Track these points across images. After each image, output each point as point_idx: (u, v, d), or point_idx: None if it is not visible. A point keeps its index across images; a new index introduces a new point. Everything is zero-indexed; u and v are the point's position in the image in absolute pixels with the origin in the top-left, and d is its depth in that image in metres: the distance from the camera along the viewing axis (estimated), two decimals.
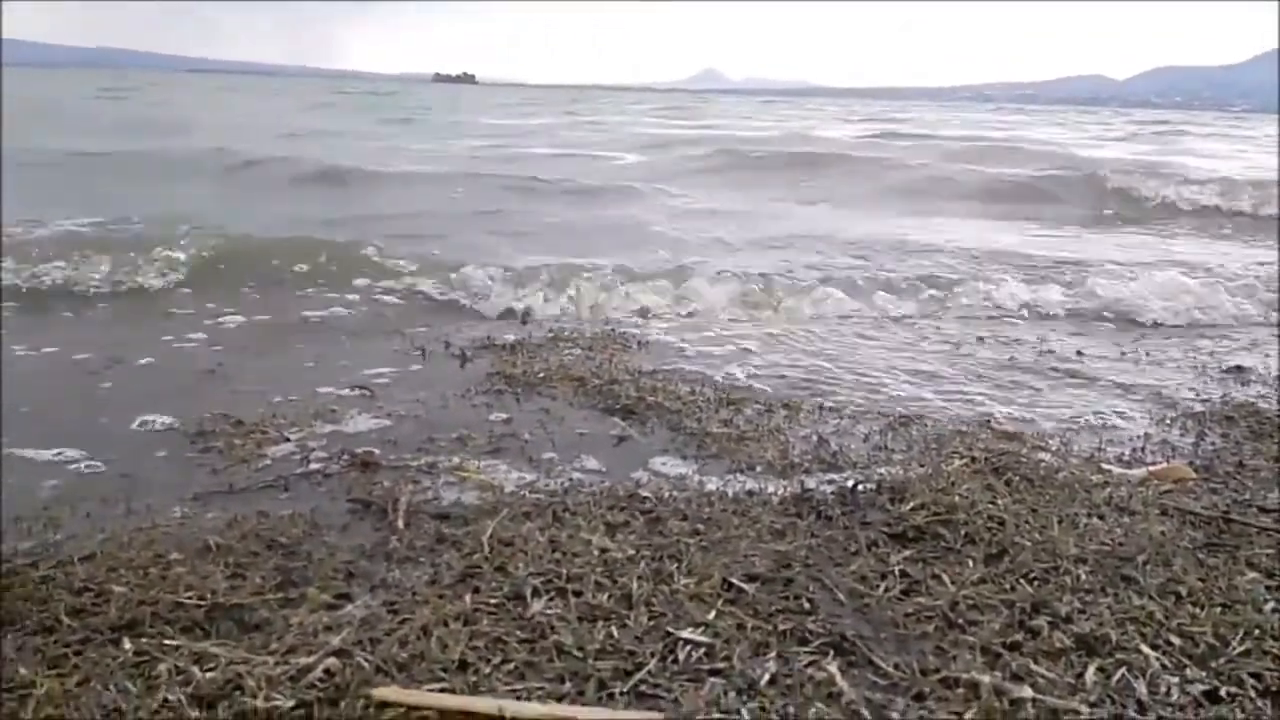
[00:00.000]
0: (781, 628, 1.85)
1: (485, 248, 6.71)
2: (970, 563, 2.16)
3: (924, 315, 5.30)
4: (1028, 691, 1.65)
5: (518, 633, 1.80)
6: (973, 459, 2.88)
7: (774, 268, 6.40)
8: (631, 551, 2.16)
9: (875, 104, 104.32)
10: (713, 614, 1.88)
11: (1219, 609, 1.96)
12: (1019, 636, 1.84)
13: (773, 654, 1.76)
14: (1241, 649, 1.81)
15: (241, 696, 1.57)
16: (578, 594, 1.95)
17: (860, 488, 2.58)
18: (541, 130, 24.74)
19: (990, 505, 2.47)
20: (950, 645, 1.81)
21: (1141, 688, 1.68)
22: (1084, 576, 2.10)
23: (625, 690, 1.64)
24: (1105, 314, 5.37)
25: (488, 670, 1.68)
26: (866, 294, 5.66)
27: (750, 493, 2.61)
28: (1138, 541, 2.30)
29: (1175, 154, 19.64)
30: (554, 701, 1.60)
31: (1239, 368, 4.33)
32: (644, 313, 5.10)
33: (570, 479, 2.72)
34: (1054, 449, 3.12)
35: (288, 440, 2.96)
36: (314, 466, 2.75)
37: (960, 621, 1.89)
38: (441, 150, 16.76)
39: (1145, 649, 1.80)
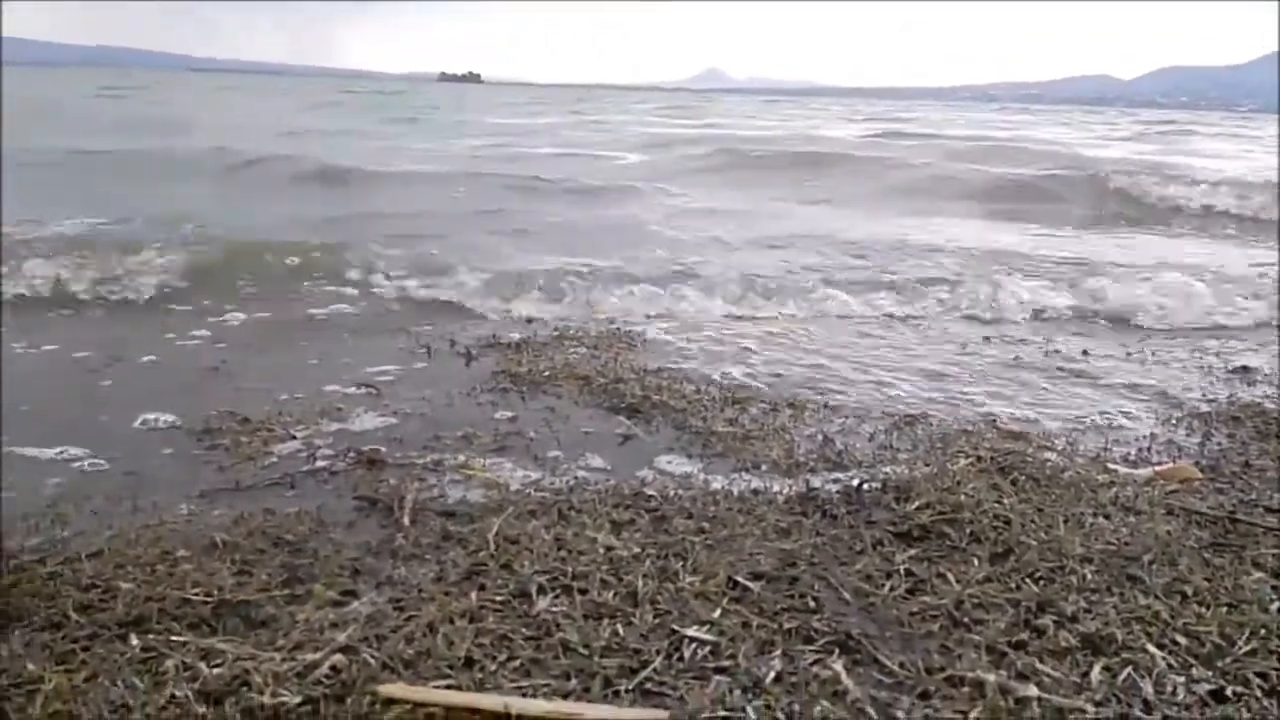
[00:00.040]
0: (787, 626, 1.85)
1: (486, 248, 6.71)
2: (976, 562, 2.16)
3: (928, 315, 5.29)
4: (1033, 690, 1.65)
5: (523, 630, 1.80)
6: (978, 458, 2.88)
7: (775, 268, 6.41)
8: (637, 549, 2.17)
9: (879, 103, 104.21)
10: (718, 612, 1.89)
11: (1225, 609, 1.96)
12: (1024, 635, 1.83)
13: (778, 652, 1.76)
14: (1247, 649, 1.81)
15: (248, 692, 1.58)
16: (583, 592, 1.95)
17: (865, 487, 2.58)
18: (545, 130, 24.74)
19: (996, 504, 2.47)
20: (955, 644, 1.81)
21: (1147, 687, 1.68)
22: (1090, 576, 2.09)
23: (631, 688, 1.65)
24: (1110, 315, 5.36)
25: (493, 667, 1.68)
26: (869, 294, 5.66)
27: (755, 491, 2.61)
28: (1143, 541, 2.30)
29: (1180, 154, 19.61)
30: (559, 699, 1.61)
31: (1245, 368, 4.33)
32: (646, 313, 5.10)
33: (575, 477, 2.72)
34: (1060, 448, 3.11)
35: (294, 438, 2.97)
36: (320, 464, 2.76)
37: (965, 620, 1.89)
38: (444, 150, 16.77)
39: (1151, 648, 1.80)
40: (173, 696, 1.57)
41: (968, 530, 2.31)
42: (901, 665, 1.73)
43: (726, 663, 1.72)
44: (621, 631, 1.81)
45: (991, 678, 1.67)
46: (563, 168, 13.38)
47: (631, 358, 4.10)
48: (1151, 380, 4.09)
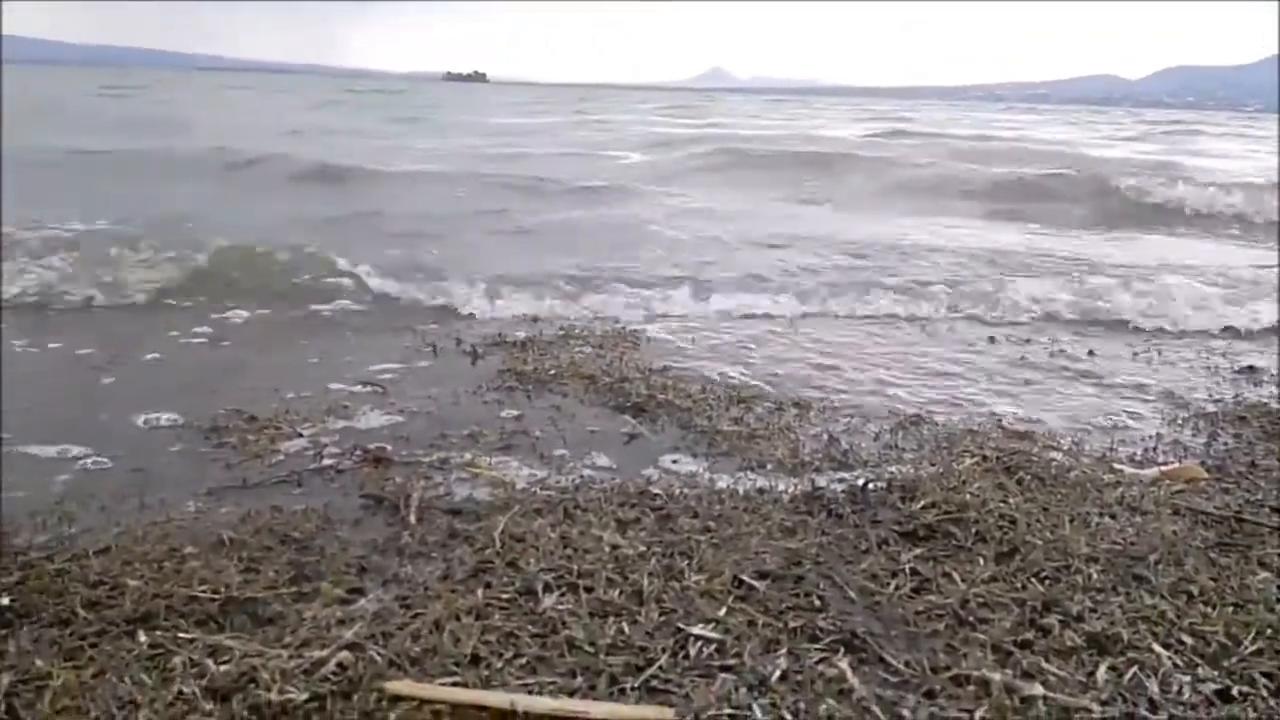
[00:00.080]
0: (792, 625, 1.85)
1: (487, 248, 6.75)
2: (981, 561, 2.16)
3: (931, 316, 5.28)
4: (1039, 689, 1.65)
5: (529, 628, 1.81)
6: (984, 458, 2.88)
7: (776, 268, 6.41)
8: (642, 548, 2.17)
9: (884, 103, 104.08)
10: (724, 611, 1.89)
11: (1231, 608, 1.96)
12: (1030, 635, 1.84)
13: (783, 651, 1.76)
14: (1254, 648, 1.81)
15: (255, 689, 1.59)
16: (589, 590, 1.96)
17: (871, 486, 2.58)
18: (548, 129, 24.74)
19: (1001, 504, 2.47)
20: (961, 643, 1.81)
21: (1153, 686, 1.68)
22: (1095, 575, 2.09)
23: (636, 685, 1.65)
24: (1115, 315, 5.34)
25: (500, 664, 1.69)
26: (872, 295, 5.64)
27: (761, 490, 2.62)
28: (1150, 541, 2.30)
29: (1184, 154, 19.57)
30: (565, 696, 1.61)
31: (1251, 368, 4.32)
32: (649, 313, 5.09)
33: (581, 476, 2.72)
34: (1066, 448, 3.11)
35: (300, 436, 2.97)
36: (326, 462, 2.76)
37: (971, 619, 1.90)
38: (446, 149, 16.77)
39: (1157, 648, 1.80)
40: (180, 693, 1.58)
41: (973, 530, 2.31)
42: (907, 664, 1.73)
43: (732, 661, 1.72)
44: (627, 629, 1.81)
45: (997, 676, 1.68)
46: (563, 168, 13.37)
47: (636, 357, 4.10)
48: (1157, 380, 4.09)
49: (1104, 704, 1.63)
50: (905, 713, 1.60)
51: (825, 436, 3.14)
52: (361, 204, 8.97)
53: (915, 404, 3.59)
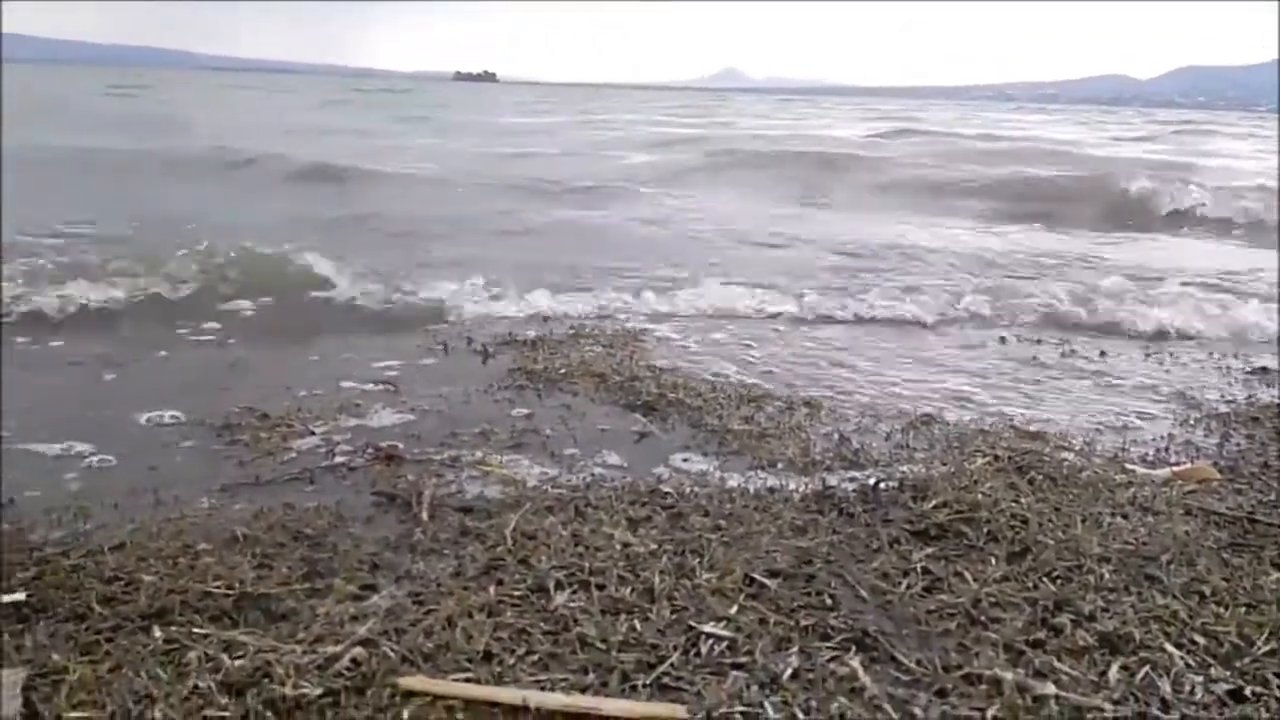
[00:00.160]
0: (803, 623, 1.85)
1: (486, 250, 6.74)
2: (993, 560, 2.16)
3: (941, 316, 5.26)
4: (1051, 688, 1.65)
5: (541, 625, 1.82)
6: (995, 457, 2.87)
7: (781, 269, 6.41)
8: (653, 546, 2.17)
9: (894, 102, 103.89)
10: (735, 609, 1.89)
11: (1243, 609, 1.96)
12: (1042, 634, 1.84)
13: (795, 649, 1.76)
14: (1266, 649, 1.80)
15: (270, 684, 1.60)
16: (600, 587, 1.96)
17: (882, 485, 2.58)
18: (554, 129, 24.73)
19: (1013, 504, 2.47)
20: (973, 642, 1.81)
21: (1165, 686, 1.68)
22: (1107, 575, 2.09)
23: (648, 682, 1.65)
24: (1127, 317, 5.31)
25: (512, 661, 1.70)
26: (880, 295, 5.62)
27: (772, 489, 2.62)
28: (1162, 541, 2.29)
29: (1195, 156, 19.44)
30: (577, 692, 1.62)
31: (1264, 369, 4.30)
32: (655, 312, 5.08)
33: (592, 474, 2.73)
34: (1077, 448, 3.11)
35: (313, 434, 2.99)
36: (339, 460, 2.77)
37: (983, 619, 1.90)
38: (448, 150, 16.74)
39: (1169, 648, 1.80)
40: (195, 687, 1.59)
41: (985, 529, 2.31)
42: (919, 663, 1.73)
43: (743, 659, 1.73)
44: (639, 627, 1.82)
45: (1009, 675, 1.68)
46: (565, 168, 13.36)
47: (646, 356, 4.11)
48: (1169, 381, 4.08)
49: (1116, 703, 1.63)
50: (917, 711, 1.60)
51: (836, 436, 3.14)
52: (361, 205, 8.99)
53: (926, 404, 3.58)
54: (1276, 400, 3.79)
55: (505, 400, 3.43)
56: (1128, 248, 8.55)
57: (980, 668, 1.71)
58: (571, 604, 1.89)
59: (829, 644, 1.79)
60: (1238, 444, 3.25)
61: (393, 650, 1.70)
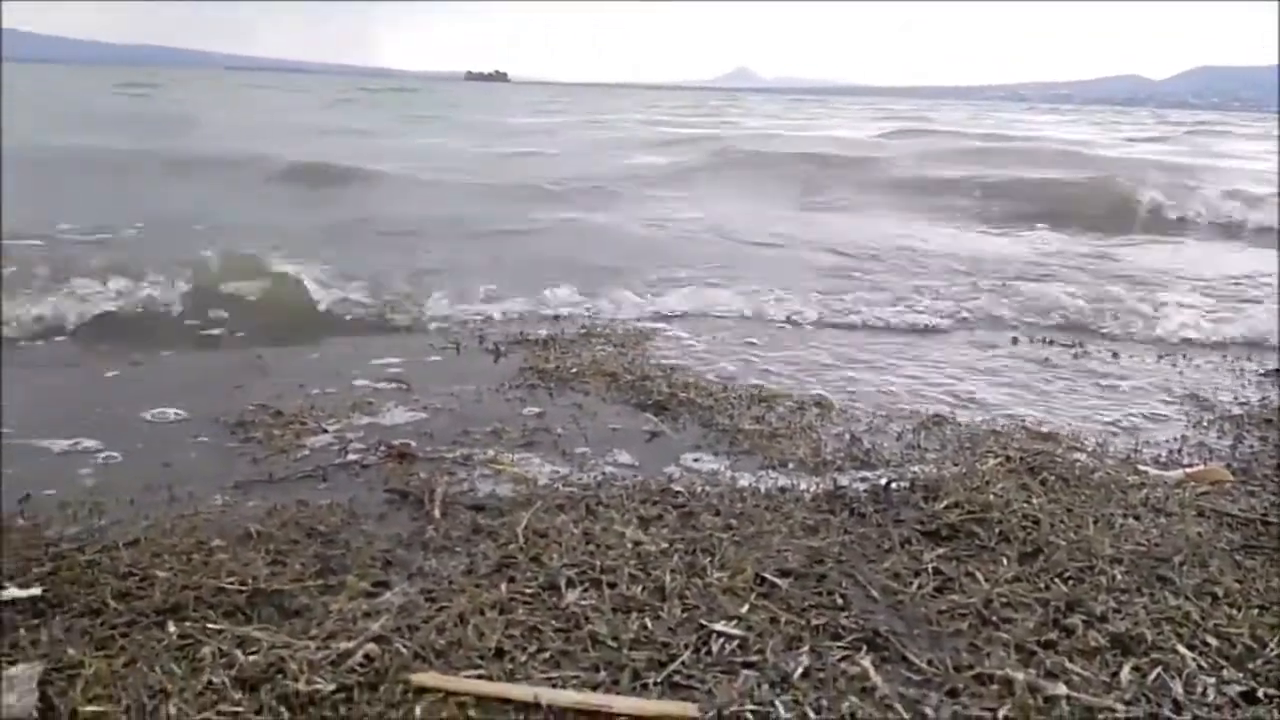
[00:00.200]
0: (815, 623, 1.86)
1: (486, 252, 6.75)
2: (1005, 561, 2.16)
3: (952, 319, 5.24)
4: (1062, 689, 1.65)
5: (553, 622, 1.82)
6: (1007, 458, 2.87)
7: (788, 269, 6.40)
8: (665, 545, 2.18)
9: (906, 102, 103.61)
10: (746, 608, 1.90)
11: (1256, 610, 1.95)
12: (1054, 635, 1.83)
13: (806, 648, 1.76)
14: (1279, 650, 1.80)
15: (283, 680, 1.61)
16: (612, 585, 1.97)
17: (894, 485, 2.58)
18: (562, 129, 24.68)
19: (1025, 504, 2.46)
20: (984, 642, 1.81)
21: (1177, 687, 1.68)
22: (1119, 576, 2.09)
23: (659, 680, 1.66)
24: (1139, 319, 5.29)
25: (523, 658, 1.70)
26: (887, 296, 5.61)
27: (783, 489, 2.62)
28: (1174, 542, 2.29)
29: (1208, 157, 19.32)
30: (589, 690, 1.62)
31: (1278, 371, 4.28)
32: (657, 312, 5.07)
33: (603, 473, 2.74)
34: (1090, 449, 3.10)
35: (326, 431, 3.00)
36: (352, 457, 2.79)
37: (994, 619, 1.89)
38: (448, 150, 16.70)
39: (1181, 649, 1.80)
40: (209, 682, 1.60)
41: (996, 530, 2.31)
42: (930, 663, 1.73)
43: (754, 658, 1.73)
44: (650, 625, 1.82)
45: (1020, 676, 1.68)
46: (570, 169, 13.32)
47: (657, 355, 4.11)
48: (1182, 383, 4.06)
49: (1128, 704, 1.62)
50: (928, 711, 1.60)
51: (847, 436, 3.14)
52: (362, 205, 9.00)
53: (937, 404, 3.58)
54: None
55: (517, 399, 3.44)
56: (1139, 250, 8.50)
57: (992, 668, 1.71)
58: (583, 602, 1.90)
59: (840, 643, 1.79)
60: (1251, 446, 3.24)
61: (405, 647, 1.71)
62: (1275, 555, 2.25)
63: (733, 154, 16.09)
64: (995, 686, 1.66)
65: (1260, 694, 1.67)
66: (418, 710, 1.55)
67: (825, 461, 2.87)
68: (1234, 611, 1.94)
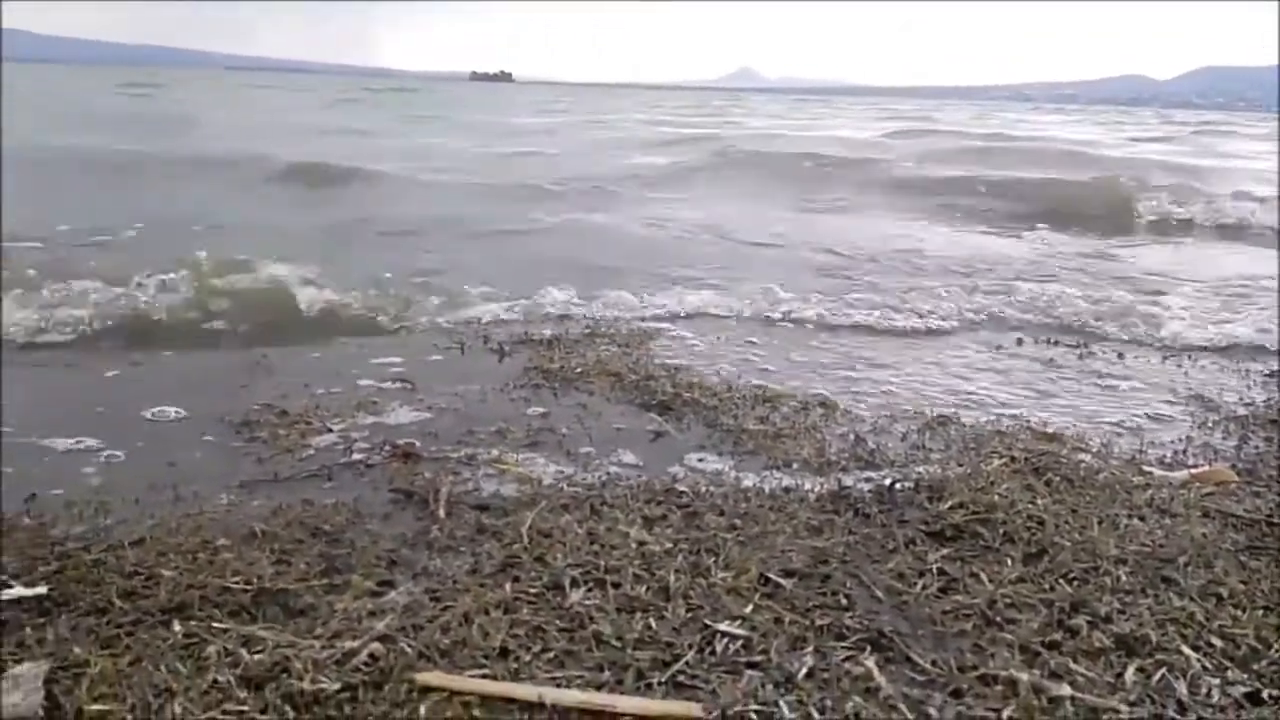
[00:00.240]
0: (819, 623, 1.86)
1: (486, 253, 6.76)
2: (1009, 562, 2.16)
3: (956, 320, 5.22)
4: (1066, 689, 1.65)
5: (557, 622, 1.82)
6: (1012, 459, 2.87)
7: (791, 271, 6.40)
8: (669, 545, 2.18)
9: (911, 102, 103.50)
10: (750, 608, 1.90)
11: (1261, 611, 1.95)
12: (1058, 635, 1.83)
13: (810, 648, 1.77)
14: None
15: (288, 679, 1.61)
16: (616, 585, 1.97)
17: (898, 486, 2.58)
18: (564, 128, 24.67)
19: (1030, 505, 2.46)
20: (988, 643, 1.81)
21: (1182, 688, 1.68)
22: (1124, 577, 2.09)
23: (663, 680, 1.66)
24: (1143, 320, 5.28)
25: (528, 658, 1.70)
26: (890, 297, 5.60)
27: (787, 489, 2.62)
28: (1179, 543, 2.29)
29: (1213, 158, 19.28)
30: (593, 690, 1.62)
31: None
32: (658, 313, 5.07)
33: (608, 473, 2.74)
34: (1094, 450, 3.10)
35: (330, 431, 3.01)
36: (356, 457, 2.79)
37: (999, 620, 1.89)
38: (450, 150, 16.69)
39: (1186, 650, 1.79)
40: (215, 681, 1.60)
41: (1001, 530, 2.31)
42: (934, 663, 1.73)
43: (759, 658, 1.73)
44: (654, 625, 1.82)
45: (1025, 676, 1.67)
46: (570, 169, 13.31)
47: (661, 355, 4.11)
48: (1187, 383, 4.06)
49: (1132, 705, 1.62)
50: (932, 711, 1.60)
51: (851, 436, 3.14)
52: (362, 206, 9.01)
53: (942, 404, 3.58)
54: None
55: (521, 399, 3.44)
56: (1144, 251, 8.49)
57: (996, 669, 1.71)
58: (587, 602, 1.90)
59: (844, 644, 1.79)
60: (1256, 447, 3.24)
61: (410, 646, 1.72)
62: None
63: (734, 154, 16.07)
64: (999, 687, 1.66)
65: (1265, 695, 1.67)
66: (422, 709, 1.55)
67: (830, 462, 2.87)
68: (1239, 612, 1.94)
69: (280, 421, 3.07)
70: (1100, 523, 2.38)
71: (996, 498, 2.49)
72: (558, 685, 1.63)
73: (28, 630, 1.77)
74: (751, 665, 1.71)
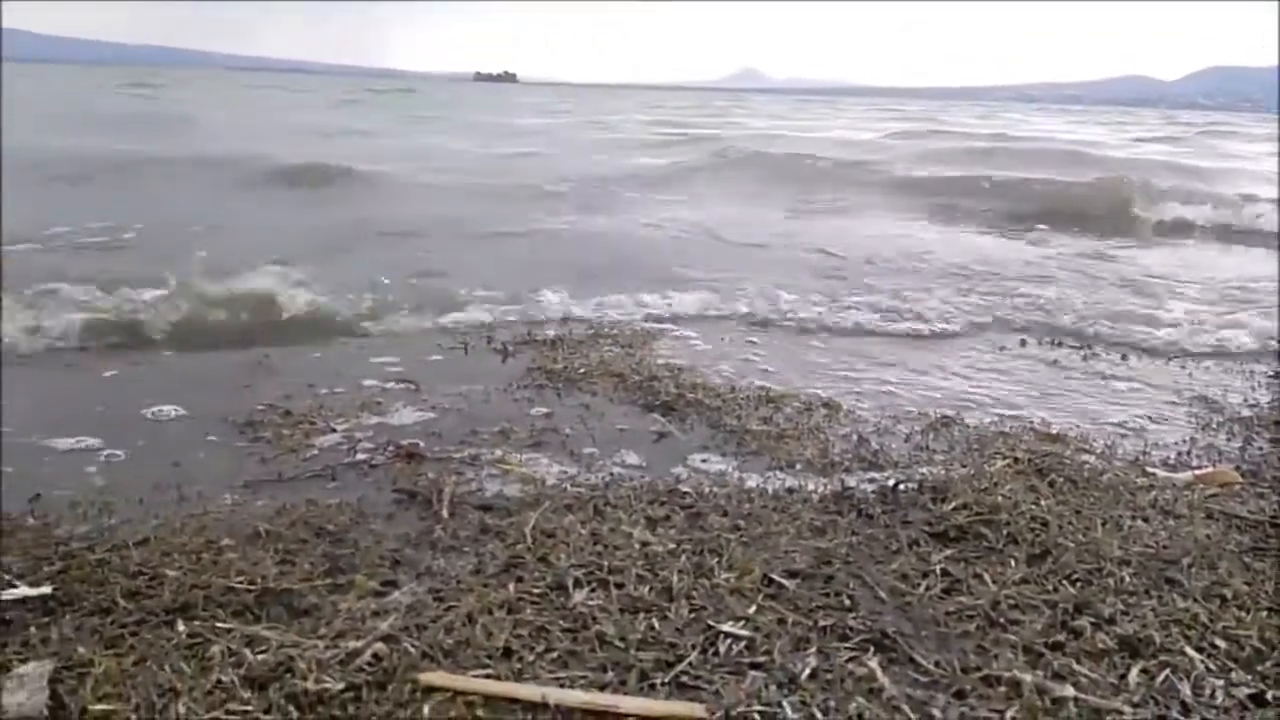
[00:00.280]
0: (822, 623, 1.86)
1: (485, 254, 6.76)
2: (1013, 563, 2.16)
3: (959, 321, 5.21)
4: (1070, 690, 1.65)
5: (560, 622, 1.83)
6: (1016, 460, 2.87)
7: (792, 273, 6.39)
8: (672, 545, 2.18)
9: (915, 103, 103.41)
10: (753, 608, 1.90)
11: (1265, 613, 1.95)
12: (1061, 636, 1.83)
13: (813, 649, 1.77)
14: None
15: (292, 679, 1.61)
16: (619, 586, 1.97)
17: (902, 487, 2.58)
18: (564, 129, 24.67)
19: (1033, 506, 2.46)
20: (992, 644, 1.81)
21: (1185, 689, 1.67)
22: (1128, 578, 2.08)
23: (666, 681, 1.66)
24: (1148, 322, 5.27)
25: (531, 658, 1.71)
26: (892, 298, 5.59)
27: (790, 490, 2.62)
28: (1182, 544, 2.28)
29: (1216, 159, 19.23)
30: (596, 690, 1.63)
31: None
32: (659, 314, 5.06)
33: (611, 473, 2.74)
34: (1098, 451, 3.09)
35: (334, 431, 3.01)
36: (360, 457, 2.80)
37: (1002, 621, 1.89)
38: (451, 150, 16.68)
39: (1190, 651, 1.79)
40: (219, 681, 1.61)
41: (1005, 531, 2.31)
42: (937, 664, 1.73)
43: (762, 658, 1.73)
44: (657, 625, 1.82)
45: (1028, 677, 1.67)
46: (567, 170, 13.29)
47: (664, 356, 4.11)
48: (1191, 385, 4.05)
49: (1135, 706, 1.62)
50: (935, 712, 1.60)
51: (855, 437, 3.14)
52: (364, 207, 9.00)
53: (945, 405, 3.57)
54: None
55: (525, 399, 3.44)
56: (1146, 252, 8.48)
57: (999, 670, 1.71)
58: (590, 602, 1.90)
59: (847, 644, 1.79)
60: (1260, 448, 3.23)
61: (413, 646, 1.72)
62: None
63: (736, 155, 16.05)
64: (1003, 688, 1.66)
65: (1269, 696, 1.67)
66: (426, 709, 1.56)
67: (833, 463, 2.87)
68: (1242, 614, 1.94)
69: (284, 421, 3.08)
70: (1104, 524, 2.38)
71: (1000, 499, 2.49)
72: (561, 685, 1.63)
73: (32, 630, 1.78)
74: (755, 666, 1.71)
